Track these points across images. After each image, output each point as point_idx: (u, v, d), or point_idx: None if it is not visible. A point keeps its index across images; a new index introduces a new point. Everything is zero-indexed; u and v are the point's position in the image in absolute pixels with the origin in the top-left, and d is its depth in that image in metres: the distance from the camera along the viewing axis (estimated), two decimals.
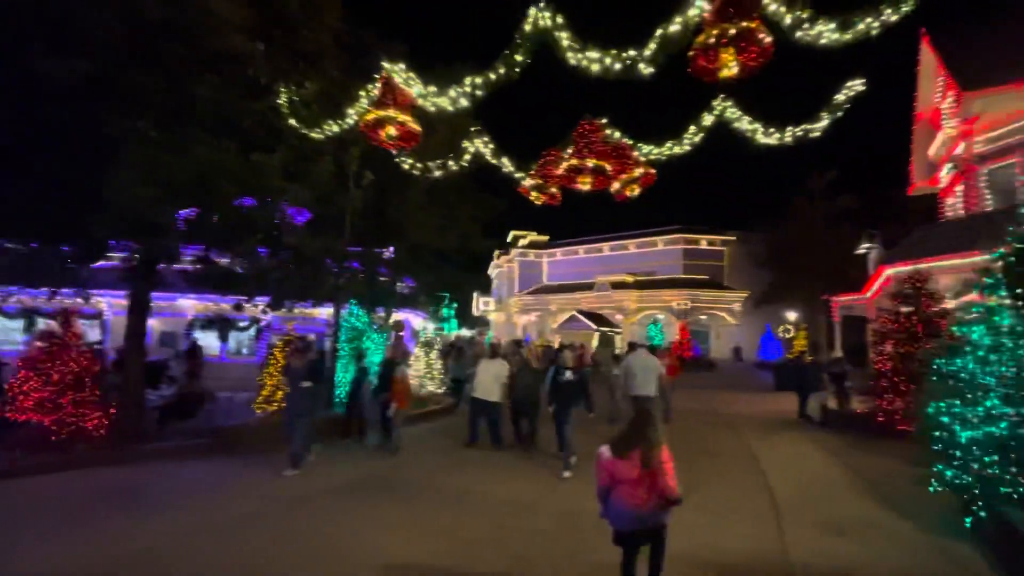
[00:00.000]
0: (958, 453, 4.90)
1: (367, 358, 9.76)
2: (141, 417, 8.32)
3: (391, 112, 6.66)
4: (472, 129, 8.61)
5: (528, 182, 8.56)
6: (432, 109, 6.50)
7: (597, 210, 31.26)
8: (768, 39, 4.85)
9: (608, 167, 7.89)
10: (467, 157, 8.53)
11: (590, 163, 7.80)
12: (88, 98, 6.88)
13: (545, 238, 43.11)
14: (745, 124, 6.86)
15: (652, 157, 8.04)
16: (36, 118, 6.96)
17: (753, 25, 4.81)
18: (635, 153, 8.03)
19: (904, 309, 9.50)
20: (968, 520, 4.82)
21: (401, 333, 21.68)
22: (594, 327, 31.11)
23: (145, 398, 9.10)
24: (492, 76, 5.94)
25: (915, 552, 4.59)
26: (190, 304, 16.93)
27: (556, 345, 21.75)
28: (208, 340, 16.90)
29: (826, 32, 4.84)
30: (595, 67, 5.49)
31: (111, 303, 16.60)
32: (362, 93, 6.69)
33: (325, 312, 14.61)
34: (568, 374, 7.31)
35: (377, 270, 12.59)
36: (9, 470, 6.57)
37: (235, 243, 7.71)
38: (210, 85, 6.74)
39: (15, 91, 6.88)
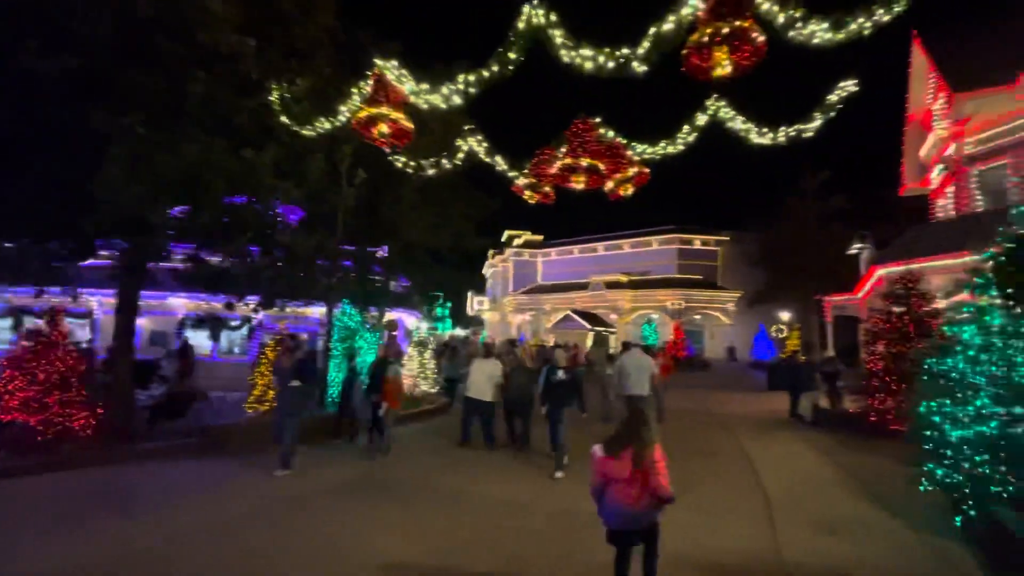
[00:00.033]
0: (949, 452, 4.92)
1: (358, 358, 9.70)
2: (130, 417, 8.22)
3: (384, 109, 6.61)
4: (466, 127, 8.57)
5: (522, 181, 8.53)
6: (425, 107, 6.45)
7: (591, 210, 31.31)
8: (761, 38, 4.85)
9: (602, 166, 7.87)
10: (460, 156, 8.49)
11: (584, 162, 7.78)
12: (78, 95, 6.78)
13: (540, 238, 43.09)
14: (738, 124, 6.87)
15: (646, 156, 8.04)
16: (25, 115, 6.86)
17: (746, 24, 4.81)
18: (629, 152, 8.02)
19: (896, 309, 9.55)
20: (958, 519, 4.83)
21: (394, 332, 21.62)
22: (588, 327, 31.14)
23: (134, 398, 9.00)
24: (485, 74, 5.90)
25: (906, 551, 4.61)
26: (181, 303, 16.79)
27: (551, 344, 21.74)
28: (199, 339, 16.79)
29: (819, 32, 4.84)
30: (588, 65, 5.47)
31: (101, 302, 16.44)
32: (354, 90, 6.64)
33: (318, 311, 14.54)
34: (561, 373, 7.29)
35: (370, 269, 12.53)
36: None
37: (225, 241, 7.62)
38: (201, 82, 6.66)
39: (3, 87, 6.78)
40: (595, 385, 12.56)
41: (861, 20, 4.77)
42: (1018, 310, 4.74)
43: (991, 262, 5.02)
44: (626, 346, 10.22)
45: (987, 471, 4.60)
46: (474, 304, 47.02)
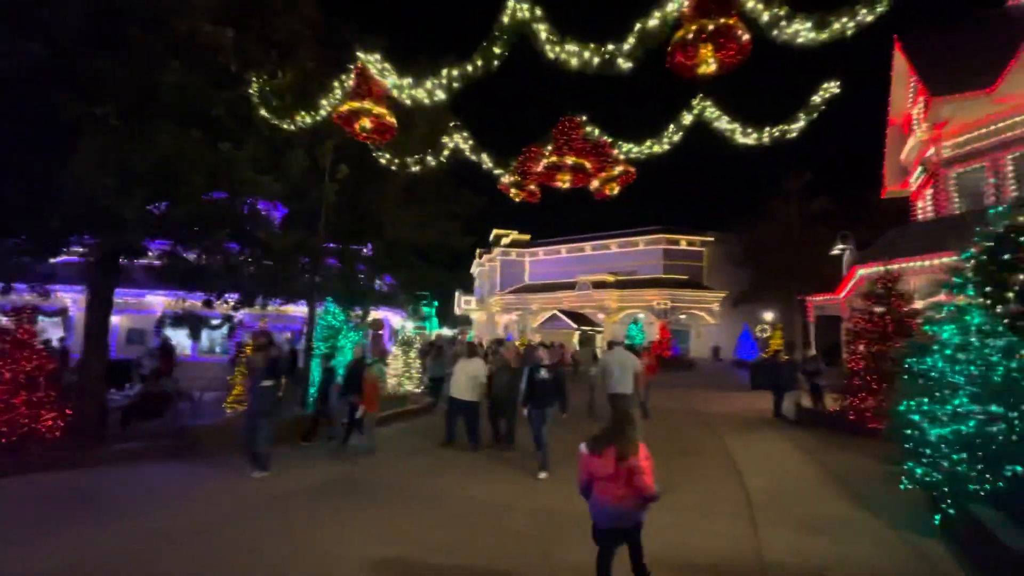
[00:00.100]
0: (928, 451, 4.96)
1: (338, 357, 9.53)
2: (102, 418, 7.96)
3: (366, 104, 6.48)
4: (451, 124, 8.47)
5: (507, 179, 8.47)
6: (408, 102, 6.34)
7: (578, 209, 31.42)
8: (746, 36, 4.83)
9: (588, 165, 7.84)
10: (446, 153, 8.40)
11: (570, 161, 7.73)
12: (45, 83, 6.54)
13: (527, 237, 43.07)
14: (724, 124, 6.88)
15: (632, 156, 8.03)
16: None
17: (731, 21, 4.79)
18: (615, 151, 8.00)
19: (876, 309, 9.67)
20: (937, 517, 4.88)
21: (380, 332, 21.39)
22: (575, 326, 31.20)
23: (107, 398, 8.74)
24: (469, 68, 5.82)
25: (886, 550, 4.62)
26: (159, 300, 16.40)
27: (535, 343, 21.72)
28: (179, 338, 16.43)
29: (803, 31, 4.84)
30: (574, 61, 5.42)
31: (76, 299, 15.98)
32: (336, 84, 6.50)
33: (301, 310, 14.31)
34: (544, 373, 7.22)
35: (354, 267, 12.35)
36: None
37: (201, 236, 7.41)
38: (176, 72, 6.45)
39: None
40: (582, 384, 12.54)
41: (844, 20, 4.78)
42: (997, 309, 4.80)
43: (971, 261, 5.08)
44: (611, 345, 10.21)
45: (965, 469, 4.64)
46: (461, 303, 46.83)
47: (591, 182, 8.27)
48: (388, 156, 8.52)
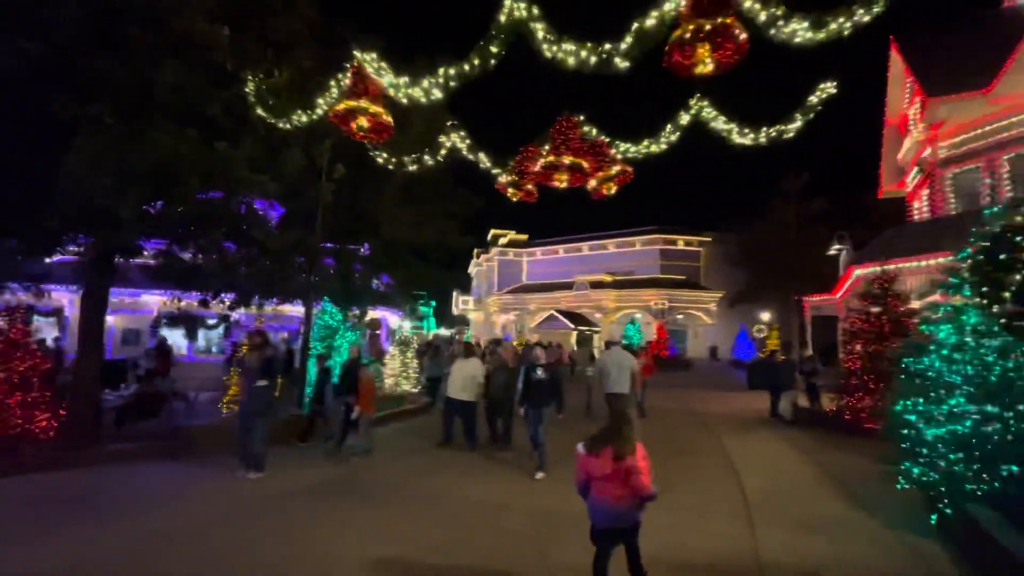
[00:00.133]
0: (924, 451, 4.96)
1: (334, 357, 9.48)
2: (96, 418, 7.91)
3: (362, 103, 6.46)
4: (448, 124, 8.46)
5: (504, 178, 8.45)
6: (404, 101, 6.32)
7: (576, 209, 31.58)
8: (743, 35, 4.83)
9: (585, 164, 7.83)
10: (443, 152, 8.38)
11: (567, 160, 7.73)
12: (42, 82, 6.49)
13: (525, 237, 43.08)
14: (721, 124, 6.87)
15: (629, 155, 8.02)
16: None
17: (728, 21, 4.79)
18: (612, 151, 7.99)
19: (873, 309, 9.68)
20: (934, 517, 4.88)
21: (377, 331, 21.33)
22: (572, 326, 31.21)
23: (102, 398, 8.69)
24: (466, 67, 5.80)
25: (882, 549, 4.63)
26: (155, 300, 16.33)
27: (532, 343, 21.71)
28: (175, 337, 16.37)
29: (800, 31, 4.83)
30: (571, 60, 5.40)
31: (72, 299, 15.90)
32: (333, 83, 6.47)
33: (298, 310, 14.26)
34: (540, 372, 7.20)
35: (352, 267, 12.31)
36: None
37: (197, 236, 7.37)
38: (172, 70, 6.41)
39: None
40: (579, 384, 12.53)
41: (841, 20, 4.78)
42: (993, 309, 4.80)
43: (968, 261, 5.08)
44: (608, 345, 10.21)
45: (961, 469, 4.65)
46: (459, 303, 46.80)
47: (588, 182, 8.27)
48: (385, 155, 8.49)
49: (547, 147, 7.83)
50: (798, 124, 6.44)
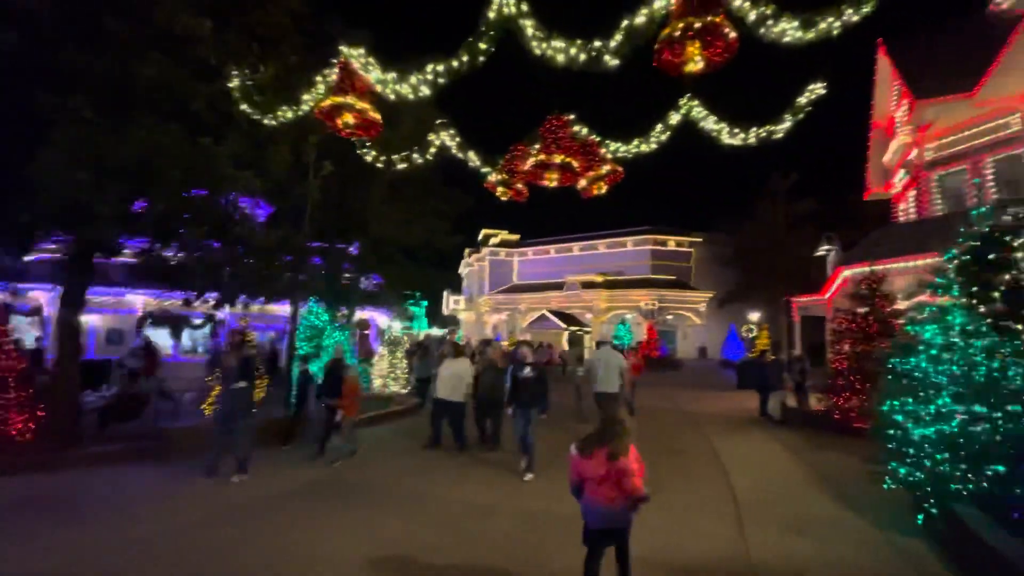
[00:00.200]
0: (911, 451, 4.97)
1: (313, 360, 9.30)
2: (76, 420, 7.72)
3: (349, 99, 6.36)
4: (438, 122, 8.37)
5: (494, 177, 8.38)
6: (392, 97, 6.23)
7: (567, 208, 31.62)
8: (733, 34, 4.81)
9: (575, 164, 7.78)
10: (432, 150, 8.29)
11: (557, 159, 7.67)
12: (17, 73, 6.31)
13: (516, 237, 42.99)
14: (711, 124, 6.87)
15: (619, 155, 7.99)
16: None
17: (718, 20, 4.76)
18: (602, 150, 7.95)
19: (860, 309, 9.74)
20: (920, 517, 4.89)
21: (367, 332, 21.13)
22: (564, 326, 31.21)
23: (82, 400, 8.49)
24: (455, 64, 5.73)
25: (870, 549, 4.63)
26: (140, 300, 16.05)
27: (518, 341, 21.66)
28: (160, 337, 16.10)
29: (789, 30, 4.83)
30: (560, 57, 5.36)
31: (53, 298, 15.58)
32: (319, 79, 6.37)
33: (285, 309, 14.10)
34: (527, 371, 7.13)
35: (340, 266, 12.18)
36: None
37: (180, 234, 7.21)
38: (154, 64, 6.26)
39: None
40: (569, 384, 12.49)
41: (830, 20, 4.78)
42: (982, 308, 4.82)
43: (955, 261, 5.10)
44: (599, 345, 10.19)
45: (948, 469, 4.65)
46: (450, 303, 46.61)
47: (578, 181, 8.22)
48: (374, 153, 8.39)
49: (537, 146, 7.77)
50: (787, 125, 6.45)
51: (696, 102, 6.85)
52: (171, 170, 6.33)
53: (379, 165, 8.53)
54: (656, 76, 5.23)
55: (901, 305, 9.57)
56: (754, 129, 6.68)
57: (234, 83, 6.83)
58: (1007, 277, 4.78)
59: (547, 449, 7.28)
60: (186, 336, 17.17)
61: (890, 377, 5.43)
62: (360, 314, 17.48)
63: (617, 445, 3.26)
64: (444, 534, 4.87)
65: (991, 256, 4.87)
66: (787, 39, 4.88)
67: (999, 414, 4.50)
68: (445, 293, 45.82)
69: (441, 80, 5.86)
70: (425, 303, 27.55)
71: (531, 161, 7.81)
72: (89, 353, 13.57)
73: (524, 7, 5.34)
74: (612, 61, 5.25)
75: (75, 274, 7.37)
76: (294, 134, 8.71)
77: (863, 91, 18.10)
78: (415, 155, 8.35)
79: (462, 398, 8.09)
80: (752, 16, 4.81)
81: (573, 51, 5.31)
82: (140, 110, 6.47)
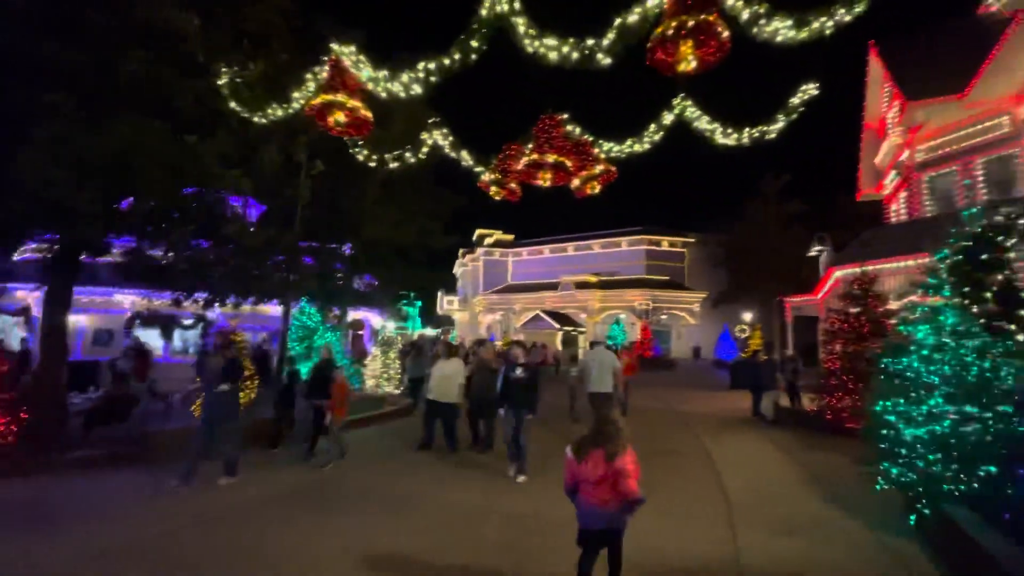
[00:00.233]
0: (903, 451, 4.96)
1: (299, 361, 9.17)
2: (62, 423, 7.59)
3: (339, 97, 6.29)
4: (430, 120, 8.31)
5: (487, 177, 8.34)
6: (383, 95, 6.16)
7: (562, 209, 31.67)
8: (726, 33, 4.79)
9: (568, 163, 7.75)
10: (425, 150, 8.23)
11: (550, 159, 7.63)
12: None
13: (510, 237, 42.99)
14: (704, 124, 6.86)
15: (613, 155, 7.97)
16: None
17: (711, 18, 4.74)
18: (596, 150, 7.93)
19: (852, 309, 9.76)
20: (912, 518, 4.88)
21: (360, 332, 21.01)
22: (558, 327, 31.21)
23: (68, 402, 8.35)
24: (447, 62, 5.67)
25: (861, 551, 4.61)
26: (129, 300, 15.85)
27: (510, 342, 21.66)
28: (150, 338, 15.91)
29: (782, 29, 4.81)
30: (552, 55, 5.32)
31: (40, 299, 15.36)
32: (309, 77, 6.29)
33: (278, 310, 13.98)
34: (519, 371, 7.07)
35: (332, 266, 12.08)
36: None
37: (165, 233, 7.10)
38: (138, 60, 6.14)
39: None
40: (563, 384, 12.47)
41: (823, 19, 4.77)
42: (974, 309, 4.82)
43: (948, 261, 5.10)
44: (593, 345, 10.16)
45: (939, 469, 4.65)
46: (444, 303, 46.50)
47: (572, 181, 8.19)
48: (366, 152, 8.32)
49: (530, 145, 7.73)
50: (780, 125, 6.45)
51: (689, 102, 6.85)
52: (153, 168, 6.21)
53: (371, 164, 8.46)
54: (649, 75, 5.21)
55: (893, 305, 9.61)
56: (747, 129, 6.68)
57: (223, 80, 6.74)
58: (999, 277, 4.79)
59: (540, 451, 7.22)
60: (177, 337, 16.98)
61: (882, 377, 5.42)
62: (354, 314, 17.38)
63: (614, 445, 3.25)
64: (437, 537, 4.81)
65: (983, 256, 4.88)
66: (780, 38, 4.87)
67: (990, 414, 4.50)
68: (439, 293, 45.72)
69: (433, 78, 5.80)
70: (419, 303, 27.48)
71: (524, 160, 7.77)
72: (76, 354, 13.35)
73: (516, 5, 5.29)
74: (605, 60, 5.22)
75: (60, 273, 7.24)
76: (285, 133, 8.63)
77: (855, 92, 18.22)
78: (407, 154, 8.29)
79: (455, 399, 8.02)
80: (745, 15, 4.80)
81: (566, 49, 5.28)
82: (122, 106, 6.34)
